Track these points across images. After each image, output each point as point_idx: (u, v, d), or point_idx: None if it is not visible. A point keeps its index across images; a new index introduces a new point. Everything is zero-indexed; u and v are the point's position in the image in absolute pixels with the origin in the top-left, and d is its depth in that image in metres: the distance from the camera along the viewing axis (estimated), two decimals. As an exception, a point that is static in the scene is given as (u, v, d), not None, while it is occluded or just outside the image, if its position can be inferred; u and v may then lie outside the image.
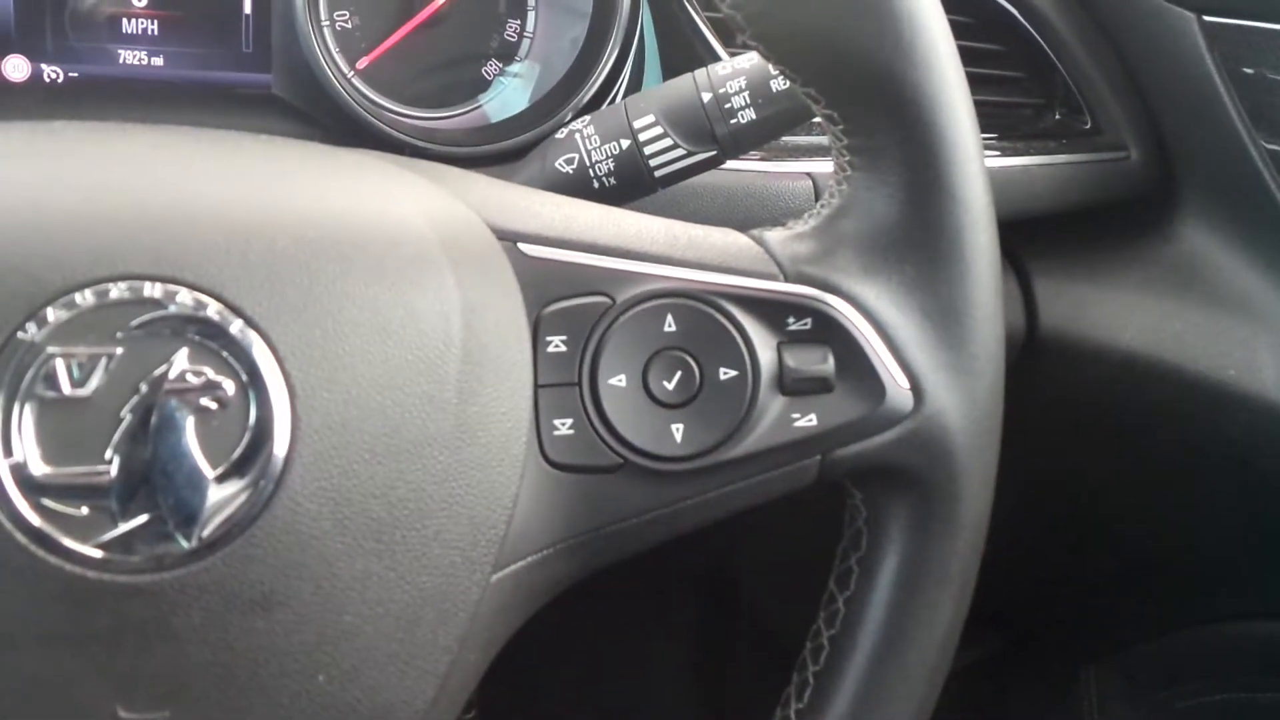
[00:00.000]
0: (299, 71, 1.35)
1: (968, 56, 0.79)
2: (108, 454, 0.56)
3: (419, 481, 0.62)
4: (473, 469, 0.64)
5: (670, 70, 1.38)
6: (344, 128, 1.34)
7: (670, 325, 0.71)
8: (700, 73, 1.05)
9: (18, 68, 1.31)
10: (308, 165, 0.73)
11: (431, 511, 0.62)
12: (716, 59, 1.30)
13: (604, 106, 1.37)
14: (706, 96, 1.00)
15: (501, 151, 1.36)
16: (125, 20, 1.34)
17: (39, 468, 0.55)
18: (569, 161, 1.01)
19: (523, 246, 0.71)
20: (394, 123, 1.36)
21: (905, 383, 0.72)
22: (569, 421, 0.69)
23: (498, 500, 0.65)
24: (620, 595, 1.10)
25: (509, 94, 1.47)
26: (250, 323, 0.59)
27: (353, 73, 1.42)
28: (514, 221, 0.72)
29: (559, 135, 1.02)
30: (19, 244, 0.58)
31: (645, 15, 1.39)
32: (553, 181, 1.00)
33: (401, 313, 0.64)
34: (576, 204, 0.78)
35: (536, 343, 0.69)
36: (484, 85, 1.47)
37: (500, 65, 1.47)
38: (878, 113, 0.72)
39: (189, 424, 0.57)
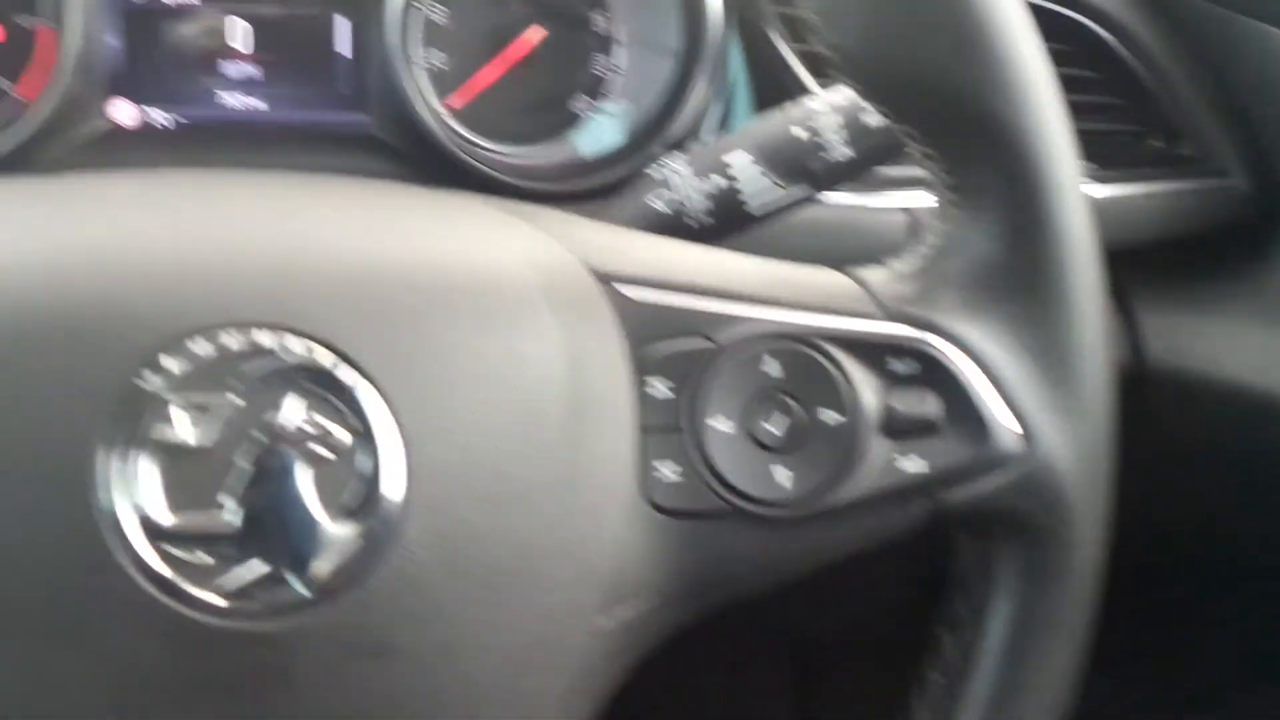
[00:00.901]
0: (395, 111, 1.38)
1: (1064, 84, 0.79)
2: (225, 502, 0.58)
3: (528, 528, 0.63)
4: (580, 515, 0.65)
5: (762, 103, 1.39)
6: (439, 166, 1.37)
7: (772, 368, 0.72)
8: (793, 108, 1.05)
9: (125, 112, 1.36)
10: (412, 211, 0.75)
11: (540, 558, 0.63)
12: (808, 92, 1.31)
13: (696, 142, 1.39)
14: (800, 132, 1.00)
15: (595, 188, 1.39)
16: (228, 64, 1.39)
17: (161, 515, 0.57)
18: (664, 200, 1.02)
19: (622, 288, 0.71)
20: (488, 160, 1.39)
21: (1013, 424, 0.72)
22: (673, 466, 0.69)
23: (605, 546, 0.65)
24: (714, 642, 1.10)
25: (600, 130, 1.49)
26: (361, 370, 0.60)
27: (447, 111, 1.45)
28: (613, 263, 0.72)
29: (653, 174, 1.03)
30: (135, 292, 0.61)
31: (735, 48, 1.40)
32: (648, 220, 1.01)
33: (507, 359, 0.65)
34: (674, 244, 0.79)
35: (638, 386, 0.70)
36: (574, 121, 1.49)
37: (590, 101, 1.49)
38: (977, 150, 0.72)
39: (304, 472, 0.59)
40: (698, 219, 1.02)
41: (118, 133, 1.36)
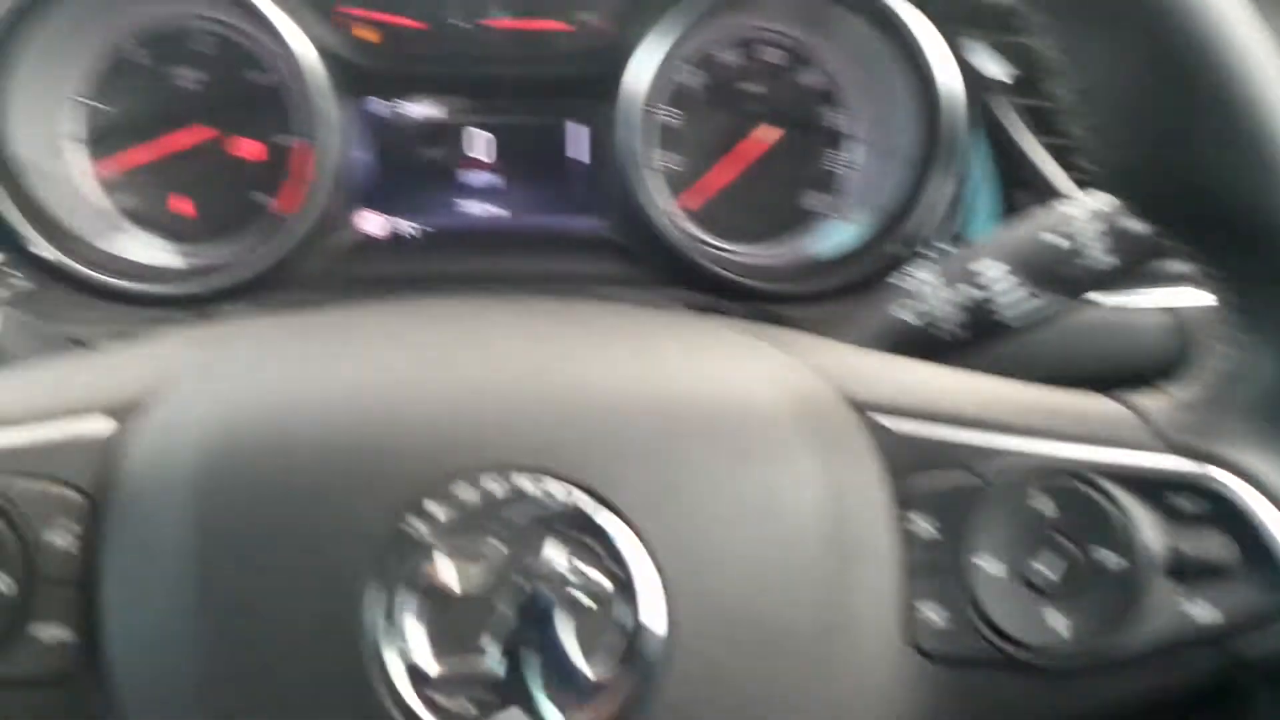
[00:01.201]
0: (630, 214, 1.41)
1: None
2: (488, 648, 0.58)
3: (789, 675, 0.61)
4: (843, 661, 0.62)
5: (1006, 201, 1.36)
6: (673, 267, 1.39)
7: (1044, 505, 0.68)
8: (1047, 213, 1.01)
9: (373, 223, 1.43)
10: (663, 341, 0.74)
11: (802, 706, 0.61)
12: (1059, 194, 1.27)
13: (936, 239, 1.37)
14: (1058, 240, 0.96)
15: (831, 289, 1.37)
16: (470, 173, 1.44)
17: (426, 661, 0.58)
18: (913, 312, 0.98)
19: (881, 418, 0.69)
20: (722, 261, 1.39)
21: None
22: (939, 609, 0.66)
23: (868, 695, 0.63)
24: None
25: (834, 229, 1.47)
26: (621, 515, 0.60)
27: (681, 213, 1.47)
28: (870, 391, 0.70)
29: (900, 283, 1.00)
30: (401, 435, 0.62)
31: (977, 142, 1.37)
32: (896, 333, 0.98)
33: (764, 497, 0.64)
34: (932, 370, 0.76)
35: (900, 522, 0.67)
36: (808, 220, 1.48)
37: (824, 199, 1.48)
38: (1265, 268, 0.67)
39: (564, 619, 0.58)
40: (949, 331, 0.99)
41: (366, 243, 1.43)
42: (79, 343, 1.15)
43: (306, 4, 1.35)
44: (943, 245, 1.36)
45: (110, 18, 1.34)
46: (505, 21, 1.40)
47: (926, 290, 1.01)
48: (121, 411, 0.65)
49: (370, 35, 1.38)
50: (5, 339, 0.86)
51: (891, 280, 1.08)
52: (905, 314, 1.00)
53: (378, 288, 1.33)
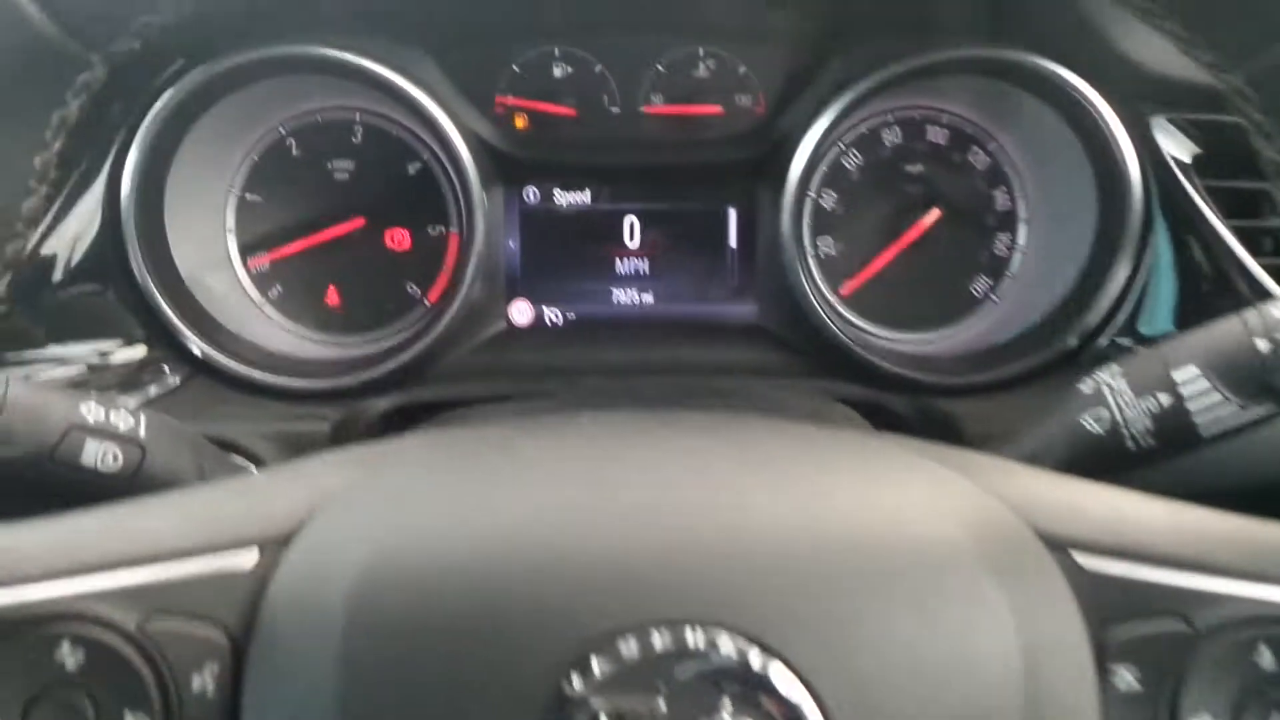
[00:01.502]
0: (783, 301, 1.37)
1: None
2: None
3: None
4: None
5: (1189, 290, 1.27)
6: (829, 356, 1.34)
7: (1266, 659, 0.60)
8: (1251, 315, 0.93)
9: (523, 312, 1.41)
10: (836, 469, 0.69)
11: None
12: (1263, 290, 1.18)
13: (1115, 333, 1.30)
14: (1263, 345, 0.87)
15: (998, 383, 1.31)
16: (619, 260, 1.42)
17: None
18: (1098, 419, 0.90)
19: (1079, 557, 0.62)
20: (882, 351, 1.34)
21: None
22: None
23: None
24: None
25: (1001, 315, 1.41)
26: (795, 670, 0.55)
27: (837, 299, 1.42)
28: (1064, 525, 0.63)
29: (1084, 388, 0.92)
30: (559, 584, 0.57)
31: (1159, 225, 1.28)
32: (1079, 441, 0.90)
33: (951, 650, 0.57)
34: (1131, 499, 0.69)
35: (1101, 675, 0.60)
36: (973, 305, 1.42)
37: (990, 283, 1.42)
38: None
39: (735, 782, 0.53)
40: (1138, 440, 0.90)
41: (516, 332, 1.42)
42: (223, 444, 1.14)
43: (464, 95, 1.35)
44: (1122, 340, 1.29)
45: (268, 114, 1.36)
46: (657, 107, 1.38)
47: (1112, 395, 0.93)
48: (269, 545, 0.62)
49: (520, 123, 1.38)
50: (148, 441, 0.84)
51: (1069, 380, 1.01)
52: (1089, 422, 0.92)
53: (526, 377, 1.34)
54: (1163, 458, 0.91)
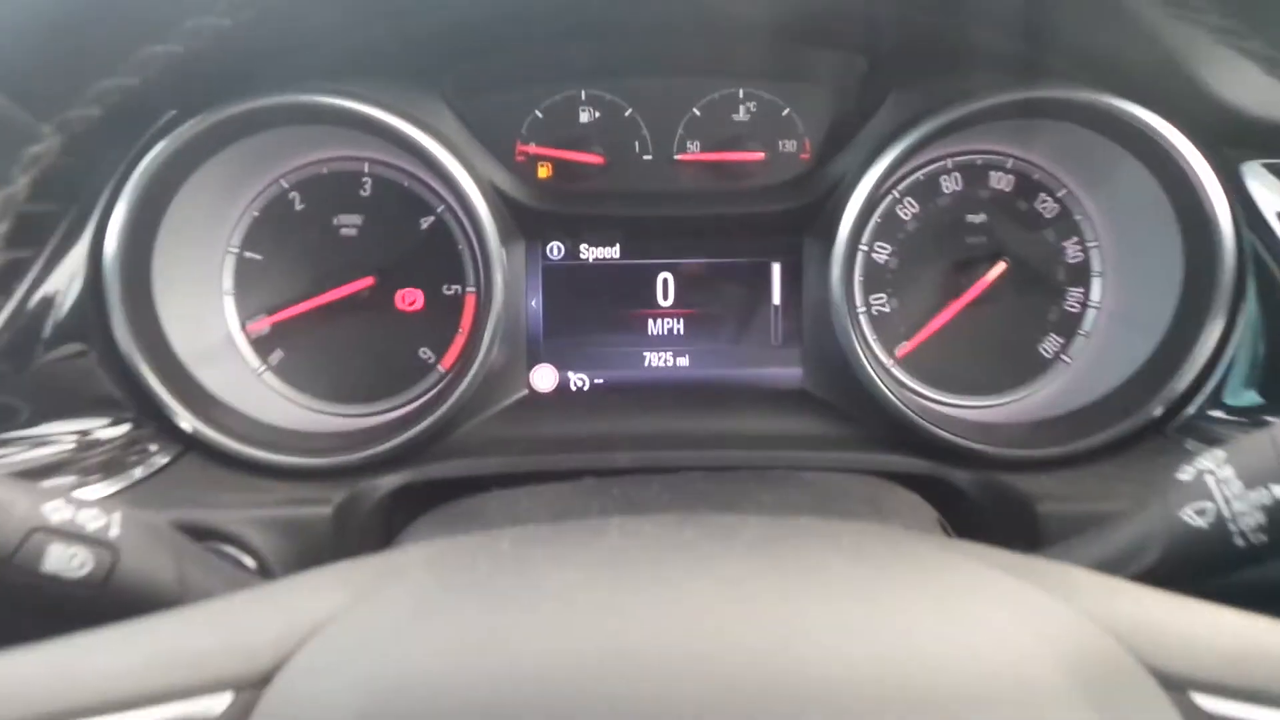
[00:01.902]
0: (832, 364, 1.26)
1: None
2: None
3: None
4: None
5: (1275, 356, 1.15)
6: (884, 425, 1.23)
7: None
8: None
9: (546, 378, 1.31)
10: (906, 595, 0.60)
11: None
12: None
13: (1204, 402, 1.19)
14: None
15: (1072, 454, 1.19)
16: (651, 320, 1.31)
17: None
18: (1201, 512, 0.79)
19: (1199, 699, 0.54)
20: (941, 419, 1.22)
21: None
22: None
23: None
24: None
25: (1074, 379, 1.29)
26: None
27: (892, 362, 1.31)
28: (1182, 660, 0.55)
29: (1184, 477, 0.81)
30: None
31: (1249, 282, 1.17)
32: (1179, 537, 0.79)
33: None
34: (1259, 626, 0.60)
35: None
36: (1042, 367, 1.31)
37: (1061, 343, 1.30)
38: None
39: None
40: (1247, 537, 0.79)
41: (538, 400, 1.32)
42: (213, 533, 1.05)
43: (481, 144, 1.26)
44: (1212, 412, 1.17)
45: (269, 165, 1.27)
46: (693, 154, 1.29)
47: (1218, 486, 0.82)
48: (244, 688, 0.55)
49: (543, 172, 1.28)
50: (120, 542, 0.76)
51: (1152, 454, 0.90)
52: (1189, 515, 0.81)
53: (550, 449, 1.23)
54: (1275, 556, 0.80)
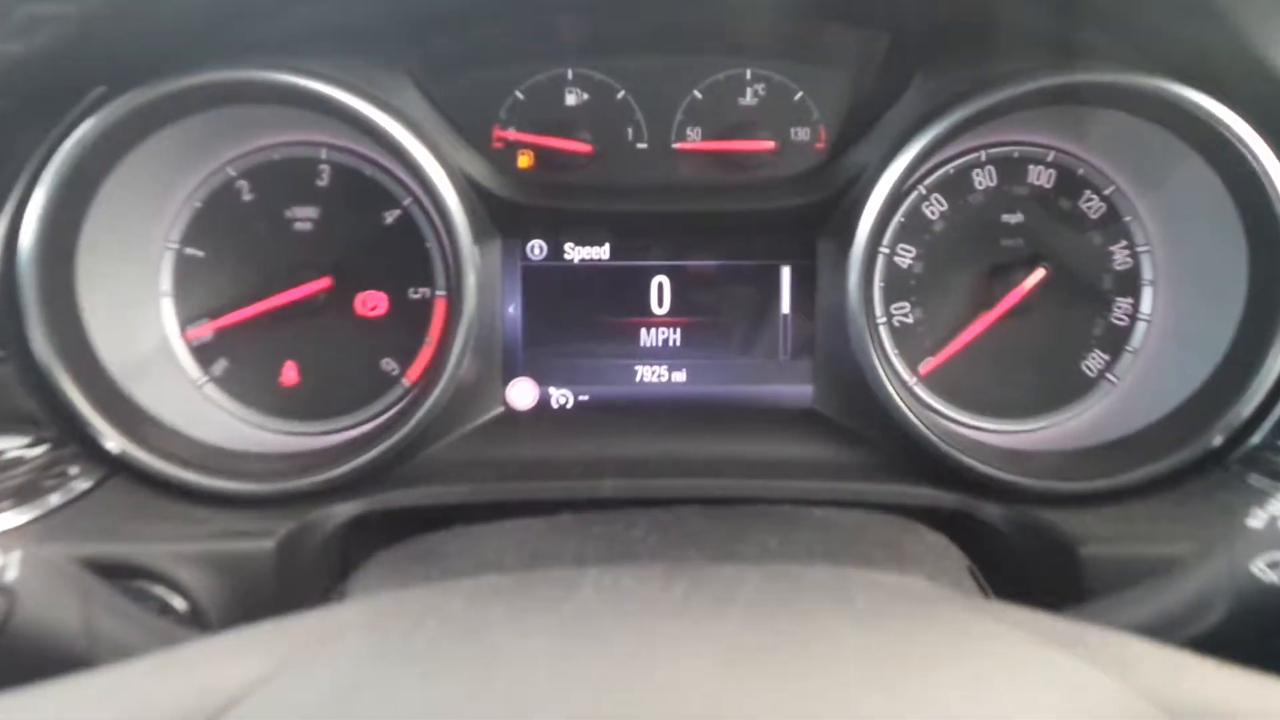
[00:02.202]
0: (847, 381, 1.14)
1: None
2: None
3: None
4: None
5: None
6: (903, 452, 1.11)
7: None
8: None
9: (524, 393, 1.19)
10: (940, 678, 0.54)
11: None
12: None
13: (1263, 427, 1.06)
14: None
15: (1118, 488, 1.06)
16: (644, 330, 1.19)
17: None
18: (1274, 565, 0.72)
19: None
20: (969, 446, 1.10)
21: None
22: None
23: None
24: None
25: (1121, 401, 1.17)
26: None
27: (914, 379, 1.19)
28: None
29: (1253, 523, 0.74)
30: None
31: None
32: (1247, 594, 0.72)
33: None
34: None
35: None
36: (1085, 387, 1.19)
37: (1106, 360, 1.18)
38: None
39: None
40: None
41: (515, 419, 1.20)
42: (137, 571, 0.94)
43: (453, 128, 1.13)
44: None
45: (213, 151, 1.15)
46: (694, 143, 1.16)
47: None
48: None
49: (524, 161, 1.16)
50: (19, 586, 0.69)
51: (1211, 490, 0.93)
52: (1260, 569, 0.73)
53: (527, 475, 1.11)
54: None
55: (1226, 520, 0.84)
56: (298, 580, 1.01)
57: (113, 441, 1.04)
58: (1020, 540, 1.05)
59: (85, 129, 1.01)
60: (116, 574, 0.93)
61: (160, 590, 0.95)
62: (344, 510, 1.06)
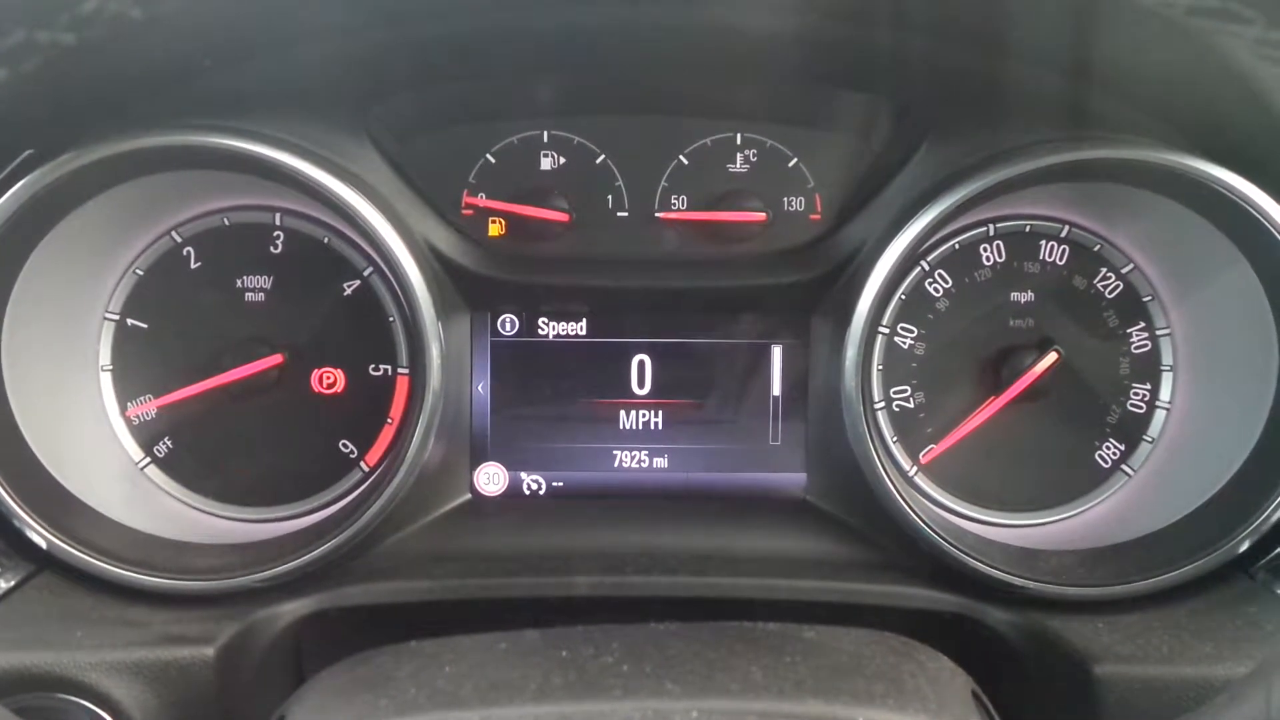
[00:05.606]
0: (842, 469, 1.10)
1: None
2: None
3: None
4: None
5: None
6: (901, 548, 1.07)
7: None
8: None
9: (493, 479, 1.15)
10: None
11: None
12: None
13: None
14: None
15: (1135, 594, 1.02)
16: (623, 412, 1.15)
17: None
18: None
19: None
20: (973, 544, 1.05)
21: None
22: None
23: None
24: None
25: (1137, 495, 1.13)
26: None
27: (915, 469, 1.15)
28: None
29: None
30: None
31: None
32: None
33: None
34: None
35: None
36: (1099, 479, 1.15)
37: (1122, 450, 1.14)
38: None
39: None
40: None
41: (478, 504, 1.16)
42: (60, 683, 0.90)
43: (418, 195, 1.10)
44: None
45: (157, 215, 1.11)
46: (679, 213, 1.13)
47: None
48: None
49: (495, 230, 1.13)
50: None
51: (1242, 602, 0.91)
52: None
53: (494, 569, 1.07)
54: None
55: (1255, 639, 0.79)
56: (241, 694, 0.96)
57: (38, 535, 1.00)
58: (1028, 651, 1.01)
59: (11, 195, 0.96)
60: (40, 686, 0.89)
61: (88, 705, 0.90)
62: (294, 609, 1.01)
